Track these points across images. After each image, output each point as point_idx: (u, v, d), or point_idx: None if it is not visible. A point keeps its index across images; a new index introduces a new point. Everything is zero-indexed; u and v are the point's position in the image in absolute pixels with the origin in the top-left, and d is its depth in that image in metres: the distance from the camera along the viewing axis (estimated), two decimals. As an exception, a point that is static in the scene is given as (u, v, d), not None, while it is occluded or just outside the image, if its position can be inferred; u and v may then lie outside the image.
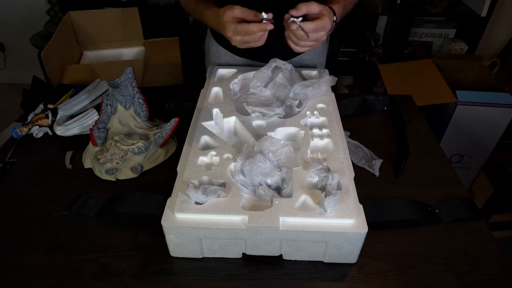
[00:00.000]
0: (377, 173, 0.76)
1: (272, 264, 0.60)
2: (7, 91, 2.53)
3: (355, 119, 0.92)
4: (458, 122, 1.50)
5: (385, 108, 0.97)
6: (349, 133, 0.84)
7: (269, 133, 0.73)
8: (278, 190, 0.62)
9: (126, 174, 0.75)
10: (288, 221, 0.56)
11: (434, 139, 0.88)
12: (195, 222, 0.55)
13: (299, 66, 0.97)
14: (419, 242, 0.63)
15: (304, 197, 0.59)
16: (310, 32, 0.71)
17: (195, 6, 0.85)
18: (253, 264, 0.60)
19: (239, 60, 1.00)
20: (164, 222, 0.55)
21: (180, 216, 0.56)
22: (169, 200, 0.58)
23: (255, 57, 0.98)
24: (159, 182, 0.75)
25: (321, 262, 0.60)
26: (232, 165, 0.65)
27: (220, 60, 1.02)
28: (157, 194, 0.65)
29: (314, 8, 0.71)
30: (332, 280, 0.58)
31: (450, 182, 0.76)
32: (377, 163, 0.78)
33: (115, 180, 0.74)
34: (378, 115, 0.96)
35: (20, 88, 2.10)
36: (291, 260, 0.60)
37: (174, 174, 0.64)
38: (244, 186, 0.63)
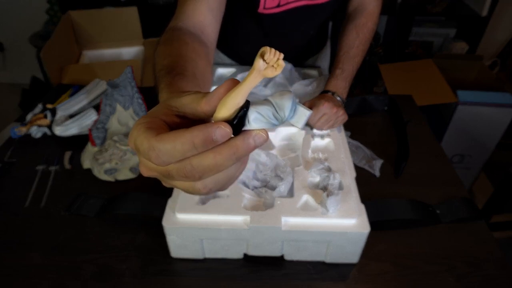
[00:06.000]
0: (377, 174, 0.76)
1: (272, 264, 0.59)
2: (6, 91, 2.52)
3: (355, 119, 0.92)
4: (458, 122, 1.50)
5: (385, 108, 0.97)
6: (349, 133, 0.84)
7: (269, 133, 0.73)
8: (267, 182, 0.63)
9: (125, 174, 0.75)
10: (290, 221, 0.55)
11: (434, 139, 0.88)
12: (197, 223, 0.55)
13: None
14: (419, 243, 0.63)
15: (306, 197, 0.59)
16: (322, 125, 0.72)
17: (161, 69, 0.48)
18: (253, 264, 0.60)
19: (226, 61, 0.99)
20: (166, 222, 0.55)
21: (181, 216, 0.56)
22: (170, 201, 0.58)
23: (243, 62, 0.97)
24: (158, 182, 0.74)
25: (321, 262, 0.60)
26: None
27: (217, 63, 1.01)
28: (156, 195, 0.65)
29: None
30: (332, 281, 0.58)
31: (450, 182, 0.75)
32: (377, 163, 0.78)
33: (114, 180, 0.74)
34: (378, 115, 0.95)
35: (19, 88, 2.10)
36: (291, 261, 0.60)
37: (174, 174, 0.64)
38: (246, 186, 0.63)
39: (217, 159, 0.26)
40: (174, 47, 0.50)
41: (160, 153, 0.25)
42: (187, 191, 0.29)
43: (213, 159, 0.26)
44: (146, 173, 0.29)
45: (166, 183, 0.30)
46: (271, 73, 0.26)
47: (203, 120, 0.29)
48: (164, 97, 0.36)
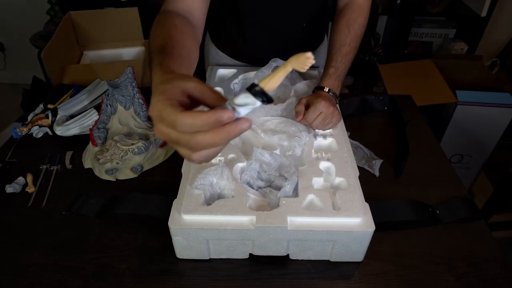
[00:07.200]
0: (377, 173, 0.76)
1: (273, 264, 0.60)
2: (7, 91, 2.52)
3: (355, 119, 0.92)
4: (458, 122, 1.50)
5: (385, 108, 0.97)
6: (349, 133, 0.84)
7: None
8: (271, 182, 0.64)
9: (126, 174, 0.75)
10: (296, 220, 0.56)
11: (434, 139, 0.88)
12: (203, 224, 0.55)
13: None
14: (419, 243, 0.63)
15: (310, 197, 0.60)
16: (319, 125, 0.73)
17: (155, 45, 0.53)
18: (254, 264, 0.60)
19: (237, 64, 1.00)
20: (171, 223, 0.55)
21: (187, 217, 0.56)
22: (175, 202, 0.58)
23: (255, 62, 0.98)
24: (159, 182, 0.75)
25: (322, 262, 0.60)
26: (237, 166, 0.65)
27: (218, 63, 1.02)
28: (157, 195, 0.65)
29: (301, 108, 0.73)
30: (333, 280, 0.58)
31: (450, 182, 0.75)
32: (377, 163, 0.78)
33: (115, 180, 0.74)
34: (378, 115, 0.96)
35: (20, 88, 2.10)
36: (293, 260, 0.60)
37: (174, 174, 0.64)
38: (250, 187, 0.63)
39: (215, 138, 0.35)
40: (165, 29, 0.57)
41: (182, 125, 0.35)
42: (183, 155, 0.38)
43: (211, 138, 0.35)
44: (159, 136, 0.38)
45: (172, 146, 0.39)
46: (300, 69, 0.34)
47: (207, 104, 0.39)
48: (157, 74, 0.44)
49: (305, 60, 0.34)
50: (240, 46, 0.96)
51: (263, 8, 0.85)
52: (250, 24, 0.89)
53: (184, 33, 0.58)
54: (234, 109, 0.36)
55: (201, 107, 0.40)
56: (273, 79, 0.35)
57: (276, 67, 0.87)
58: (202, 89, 0.38)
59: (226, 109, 0.35)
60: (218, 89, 0.86)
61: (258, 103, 0.35)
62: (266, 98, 0.35)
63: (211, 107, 0.38)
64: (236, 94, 0.36)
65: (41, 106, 0.92)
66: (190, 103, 0.39)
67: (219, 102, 0.38)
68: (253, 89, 0.35)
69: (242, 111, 0.36)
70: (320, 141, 0.72)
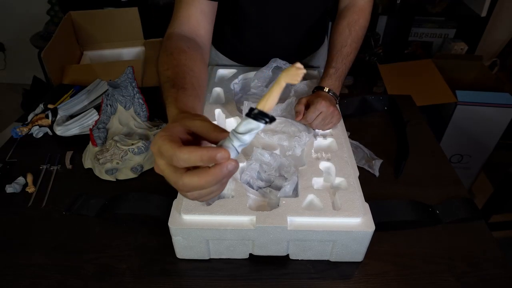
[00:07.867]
0: (377, 173, 0.76)
1: (273, 264, 0.60)
2: (7, 91, 2.53)
3: (355, 119, 0.92)
4: (458, 122, 1.50)
5: (385, 108, 0.97)
6: (349, 133, 0.84)
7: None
8: (271, 182, 0.64)
9: (126, 174, 0.75)
10: (296, 220, 0.56)
11: (434, 139, 0.88)
12: (203, 224, 0.55)
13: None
14: (419, 243, 0.63)
15: (310, 197, 0.60)
16: (320, 124, 0.72)
17: (165, 81, 0.54)
18: (254, 264, 0.60)
19: (237, 65, 0.99)
20: (171, 223, 0.55)
21: (187, 217, 0.56)
22: (175, 202, 0.58)
23: (254, 64, 0.97)
24: (159, 182, 0.74)
25: (321, 262, 0.60)
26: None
27: (217, 64, 1.01)
28: (157, 195, 0.65)
29: (301, 108, 0.73)
30: (333, 280, 0.58)
31: (450, 182, 0.75)
32: (377, 163, 0.78)
33: (115, 180, 0.74)
34: (378, 115, 0.96)
35: (20, 88, 2.10)
36: (293, 260, 0.60)
37: (174, 174, 0.64)
38: (250, 187, 0.63)
39: (200, 181, 0.36)
40: (174, 57, 0.58)
41: (179, 159, 0.36)
42: (181, 193, 0.40)
43: (197, 181, 0.36)
44: (157, 171, 0.40)
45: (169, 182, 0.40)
46: (294, 81, 0.34)
47: (210, 140, 0.40)
48: (173, 112, 0.47)
49: (296, 72, 0.33)
50: (240, 48, 0.96)
51: (263, 10, 0.85)
52: (249, 26, 0.89)
53: (192, 58, 0.59)
54: (238, 138, 0.36)
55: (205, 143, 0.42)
56: (270, 98, 0.35)
57: (276, 67, 0.88)
58: (205, 126, 0.40)
59: (221, 148, 0.35)
60: (218, 89, 0.87)
61: (261, 125, 0.35)
62: (268, 119, 0.35)
63: (215, 143, 0.39)
64: (238, 124, 0.37)
65: (41, 106, 0.92)
66: (193, 140, 0.41)
67: (222, 137, 0.38)
68: (252, 113, 0.35)
69: (247, 138, 0.37)
70: (320, 141, 0.72)
